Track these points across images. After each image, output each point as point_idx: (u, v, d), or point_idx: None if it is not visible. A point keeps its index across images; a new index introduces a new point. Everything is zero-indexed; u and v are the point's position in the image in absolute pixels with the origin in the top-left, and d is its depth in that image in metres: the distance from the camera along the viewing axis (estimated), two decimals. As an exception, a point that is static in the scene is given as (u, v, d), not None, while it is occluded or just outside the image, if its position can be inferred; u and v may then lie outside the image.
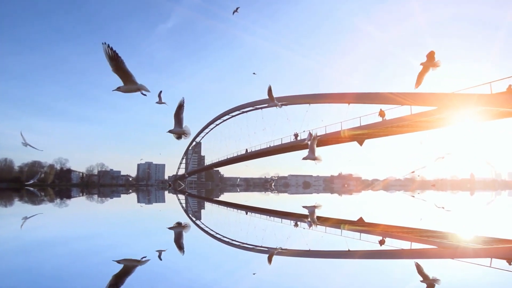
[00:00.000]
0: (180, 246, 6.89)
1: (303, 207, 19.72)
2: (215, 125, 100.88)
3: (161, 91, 17.47)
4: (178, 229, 9.31)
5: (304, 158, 20.93)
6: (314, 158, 20.70)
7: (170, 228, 9.45)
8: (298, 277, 4.81)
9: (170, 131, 12.86)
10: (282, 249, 6.52)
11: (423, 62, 15.27)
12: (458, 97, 28.32)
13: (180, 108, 12.70)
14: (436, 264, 5.64)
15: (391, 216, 14.09)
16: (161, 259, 5.61)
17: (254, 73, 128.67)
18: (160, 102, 17.87)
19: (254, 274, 4.83)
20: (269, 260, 5.67)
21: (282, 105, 54.92)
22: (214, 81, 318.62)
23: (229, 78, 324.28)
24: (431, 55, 15.21)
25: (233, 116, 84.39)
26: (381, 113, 39.57)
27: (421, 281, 4.47)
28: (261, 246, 6.83)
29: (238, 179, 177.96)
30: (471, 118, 32.91)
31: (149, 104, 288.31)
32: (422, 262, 5.85)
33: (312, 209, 17.45)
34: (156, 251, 6.25)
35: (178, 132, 12.88)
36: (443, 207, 15.79)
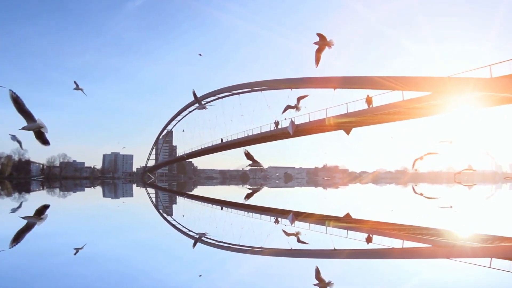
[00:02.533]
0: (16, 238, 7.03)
1: (247, 187, 19.95)
2: (188, 112, 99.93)
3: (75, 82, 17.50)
4: (32, 220, 9.30)
5: (250, 165, 21.52)
6: (259, 165, 21.32)
7: (24, 218, 9.46)
8: (278, 279, 4.75)
9: (24, 128, 12.48)
10: (259, 248, 6.47)
11: (316, 42, 16.93)
12: (454, 81, 28.38)
13: (16, 102, 11.96)
14: (431, 265, 5.62)
15: (381, 211, 14.15)
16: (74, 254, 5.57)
17: (200, 54, 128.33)
18: (77, 88, 17.79)
19: (200, 276, 4.72)
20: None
21: (262, 90, 54.91)
22: (187, 63, 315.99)
23: (203, 60, 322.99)
24: (321, 36, 16.98)
25: (207, 103, 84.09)
26: (368, 100, 39.26)
27: (315, 285, 4.44)
28: (238, 245, 6.76)
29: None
30: (469, 104, 33.03)
31: (116, 89, 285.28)
32: (415, 262, 5.84)
33: (254, 190, 17.62)
34: (74, 248, 6.20)
35: (33, 127, 12.47)
36: (450, 206, 15.72)
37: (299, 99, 36.96)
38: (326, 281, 4.56)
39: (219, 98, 75.59)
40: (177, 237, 7.82)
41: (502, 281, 4.60)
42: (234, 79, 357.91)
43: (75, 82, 19.26)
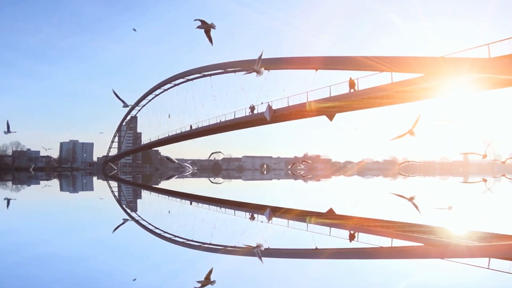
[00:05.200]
0: None
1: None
2: (154, 95, 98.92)
3: None
4: None
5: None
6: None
7: None
8: (255, 281, 4.71)
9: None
10: (233, 247, 6.41)
11: (199, 26, 20.29)
12: (449, 62, 28.30)
13: None
14: (423, 265, 5.62)
15: (368, 207, 14.20)
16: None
17: (134, 30, 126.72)
18: None
19: (134, 279, 4.66)
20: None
21: (236, 71, 54.62)
22: (153, 42, 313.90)
23: (171, 39, 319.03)
24: (202, 21, 20.51)
25: (176, 85, 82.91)
26: (351, 83, 38.79)
27: (198, 281, 4.47)
28: (209, 244, 6.73)
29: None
30: (464, 87, 33.06)
31: (75, 70, 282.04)
32: (406, 262, 5.83)
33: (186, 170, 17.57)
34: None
35: None
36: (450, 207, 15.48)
37: (259, 60, 33.75)
38: (211, 279, 4.61)
39: (188, 80, 75.13)
40: (142, 236, 7.74)
41: (502, 283, 4.60)
42: (206, 60, 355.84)
43: None
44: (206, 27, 20.11)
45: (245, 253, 6.07)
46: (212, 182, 32.77)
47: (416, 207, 11.76)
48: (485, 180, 34.38)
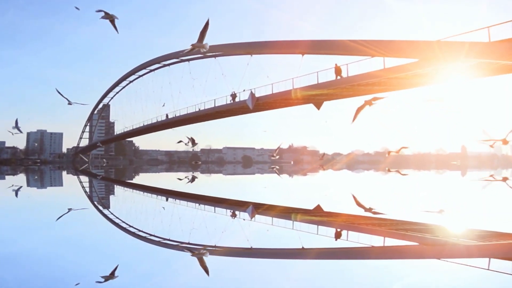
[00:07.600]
0: None
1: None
2: (128, 82, 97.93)
3: None
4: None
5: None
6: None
7: None
8: (237, 282, 4.68)
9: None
10: (212, 247, 6.37)
11: (103, 16, 21.61)
12: (445, 46, 28.10)
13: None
14: (418, 266, 5.62)
15: (358, 203, 14.18)
16: None
17: (76, 8, 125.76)
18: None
19: (77, 284, 4.54)
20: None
21: (216, 56, 54.35)
22: (126, 25, 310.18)
23: (145, 22, 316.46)
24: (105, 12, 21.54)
25: (151, 71, 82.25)
26: (337, 70, 38.64)
27: (102, 276, 4.52)
28: (188, 243, 6.68)
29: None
30: (462, 74, 32.96)
31: (42, 55, 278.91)
32: (399, 263, 5.81)
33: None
34: None
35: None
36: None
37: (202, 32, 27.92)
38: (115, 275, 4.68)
39: (165, 65, 74.72)
40: (115, 235, 7.68)
41: (502, 285, 4.59)
42: (183, 44, 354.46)
43: None
44: (109, 18, 21.74)
45: (226, 253, 6.04)
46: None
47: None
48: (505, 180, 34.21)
